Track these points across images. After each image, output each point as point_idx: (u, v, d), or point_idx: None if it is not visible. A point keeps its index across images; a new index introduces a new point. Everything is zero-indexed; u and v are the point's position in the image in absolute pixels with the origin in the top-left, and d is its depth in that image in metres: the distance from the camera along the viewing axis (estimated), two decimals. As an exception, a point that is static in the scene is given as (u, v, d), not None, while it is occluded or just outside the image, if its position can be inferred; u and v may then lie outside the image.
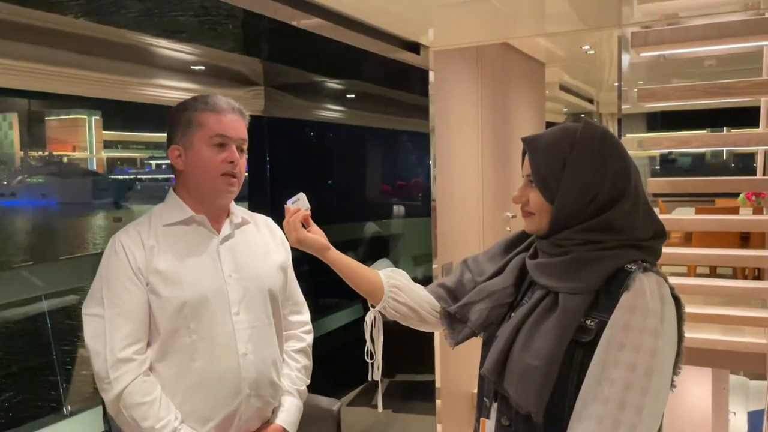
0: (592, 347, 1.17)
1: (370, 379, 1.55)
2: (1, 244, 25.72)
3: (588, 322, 1.18)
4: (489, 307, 1.35)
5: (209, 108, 1.66)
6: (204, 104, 1.67)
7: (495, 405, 1.31)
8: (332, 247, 1.51)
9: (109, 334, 1.57)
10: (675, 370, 1.20)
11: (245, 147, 1.73)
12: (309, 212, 1.53)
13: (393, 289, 1.48)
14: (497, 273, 1.39)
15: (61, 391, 3.64)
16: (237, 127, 1.69)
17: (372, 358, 1.55)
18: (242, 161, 1.71)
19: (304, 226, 1.52)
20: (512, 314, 1.32)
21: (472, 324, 1.36)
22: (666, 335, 1.15)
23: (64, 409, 3.56)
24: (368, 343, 1.54)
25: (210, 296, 1.64)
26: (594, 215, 1.22)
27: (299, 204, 1.53)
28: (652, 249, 1.26)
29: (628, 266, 1.19)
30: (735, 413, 3.73)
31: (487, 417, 1.33)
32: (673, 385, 1.19)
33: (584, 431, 1.12)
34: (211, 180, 1.66)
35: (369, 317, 1.52)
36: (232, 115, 1.68)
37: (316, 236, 1.50)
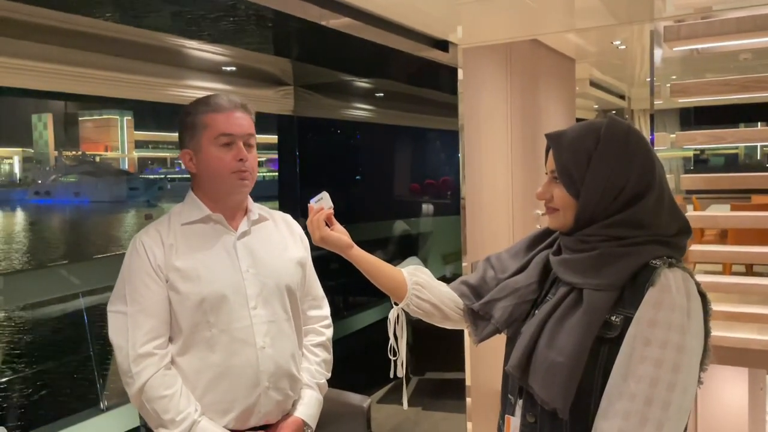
0: (618, 343, 1.16)
1: (392, 375, 1.56)
2: (38, 243, 26.33)
3: (613, 318, 1.18)
4: (513, 304, 1.35)
5: (211, 108, 1.70)
6: (206, 105, 1.70)
7: (520, 402, 1.31)
8: (355, 245, 1.53)
9: (131, 330, 1.63)
10: (702, 367, 1.18)
11: (253, 141, 1.76)
12: (332, 211, 1.55)
13: (416, 286, 1.49)
14: (520, 270, 1.40)
15: (98, 386, 3.72)
16: (241, 123, 1.71)
17: (395, 355, 1.55)
18: (252, 156, 1.73)
19: (327, 224, 1.53)
20: (536, 311, 1.31)
21: (495, 321, 1.37)
22: (692, 331, 1.14)
23: (101, 404, 3.64)
24: (391, 340, 1.55)
25: (228, 291, 1.68)
26: (619, 211, 1.22)
27: (322, 203, 1.55)
28: (677, 245, 1.25)
29: (653, 262, 1.18)
30: (772, 414, 3.65)
31: (512, 414, 1.33)
32: (700, 382, 1.18)
33: (611, 428, 1.12)
34: (223, 179, 1.70)
35: (392, 314, 1.53)
36: (235, 111, 1.71)
37: (339, 234, 1.52)
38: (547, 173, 1.32)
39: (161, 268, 1.66)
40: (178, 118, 1.76)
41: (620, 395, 1.12)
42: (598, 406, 1.16)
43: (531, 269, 1.37)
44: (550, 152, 1.30)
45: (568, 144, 1.26)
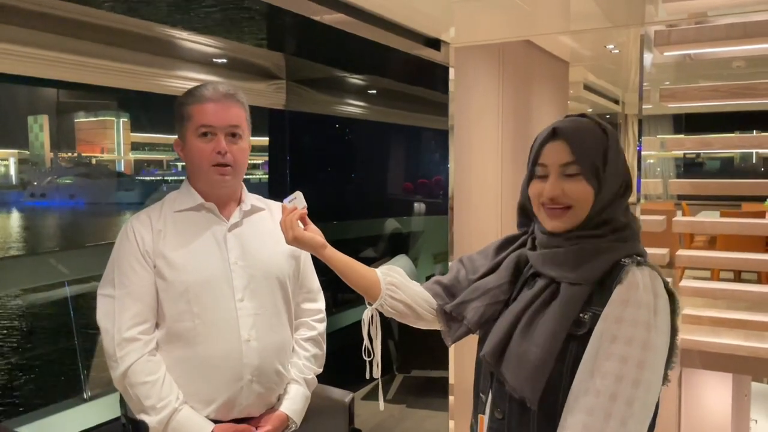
0: (586, 340, 1.17)
1: (367, 377, 1.55)
2: (32, 246, 26.16)
3: (582, 315, 1.19)
4: (484, 305, 1.35)
5: (196, 99, 1.68)
6: (192, 96, 1.69)
7: (489, 399, 1.31)
8: (329, 245, 1.52)
9: (117, 314, 1.63)
10: (669, 365, 1.20)
11: (239, 132, 1.71)
12: (305, 210, 1.54)
13: (390, 286, 1.48)
14: (491, 271, 1.40)
15: (82, 375, 3.71)
16: (222, 115, 1.68)
17: (370, 356, 1.54)
18: (236, 148, 1.70)
19: (301, 224, 1.53)
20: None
21: (468, 322, 1.36)
22: (659, 328, 1.15)
23: (84, 394, 3.63)
24: (366, 341, 1.54)
25: (213, 282, 1.67)
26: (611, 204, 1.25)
27: (296, 203, 1.55)
28: (640, 243, 1.27)
29: (623, 260, 1.20)
30: (756, 421, 3.67)
31: (483, 413, 1.33)
32: (667, 380, 1.20)
33: (576, 423, 1.12)
34: (203, 171, 1.69)
35: (366, 315, 1.52)
36: (219, 102, 1.68)
37: (313, 234, 1.51)
38: (546, 169, 1.26)
39: (149, 254, 1.66)
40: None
41: (586, 391, 1.13)
42: (566, 403, 1.17)
43: (502, 270, 1.37)
44: (550, 147, 1.26)
45: (585, 134, 1.24)
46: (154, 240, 1.67)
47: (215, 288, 1.67)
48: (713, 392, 3.26)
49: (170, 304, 1.65)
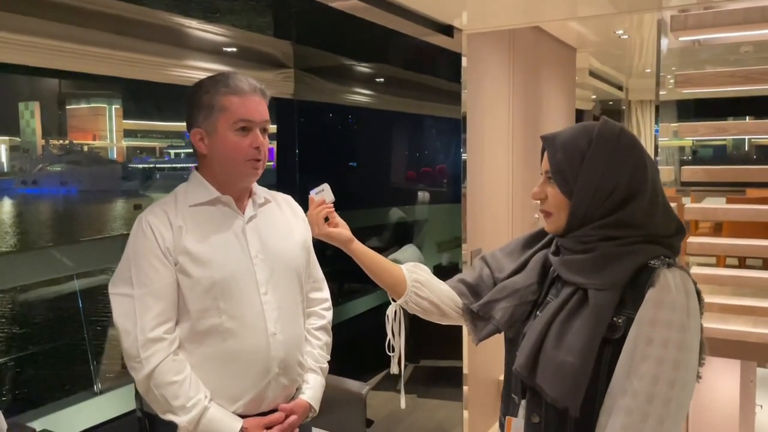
0: (621, 344, 1.19)
1: (392, 372, 1.55)
2: (26, 234, 26.01)
3: (616, 319, 1.20)
4: (513, 305, 1.35)
5: (231, 91, 1.63)
6: (226, 87, 1.64)
7: (523, 402, 1.31)
8: (356, 240, 1.51)
9: (139, 314, 1.58)
10: (699, 362, 1.21)
11: (268, 127, 1.71)
12: (333, 204, 1.52)
13: (415, 284, 1.49)
14: (518, 270, 1.40)
15: (92, 368, 3.68)
16: (260, 109, 1.66)
17: (393, 351, 1.54)
18: (266, 142, 1.69)
19: (328, 218, 1.52)
20: (538, 312, 1.32)
21: (496, 322, 1.36)
22: (692, 329, 1.17)
23: (95, 387, 3.60)
24: (389, 337, 1.53)
25: (238, 276, 1.64)
26: (612, 211, 1.24)
27: (323, 195, 1.52)
28: (672, 245, 1.27)
29: (652, 262, 1.21)
30: (762, 406, 3.69)
31: (515, 415, 1.33)
32: (699, 376, 1.21)
33: (614, 424, 1.15)
34: (236, 165, 1.65)
35: (390, 311, 1.52)
36: (255, 96, 1.66)
37: (340, 229, 1.51)
38: (542, 174, 1.33)
39: (170, 251, 1.61)
40: (188, 92, 1.69)
41: (623, 393, 1.15)
42: (602, 404, 1.19)
43: (530, 269, 1.37)
44: (545, 153, 1.32)
45: (561, 144, 1.28)
46: (174, 236, 1.62)
47: (240, 282, 1.64)
48: (720, 378, 3.28)
49: (195, 301, 1.61)
